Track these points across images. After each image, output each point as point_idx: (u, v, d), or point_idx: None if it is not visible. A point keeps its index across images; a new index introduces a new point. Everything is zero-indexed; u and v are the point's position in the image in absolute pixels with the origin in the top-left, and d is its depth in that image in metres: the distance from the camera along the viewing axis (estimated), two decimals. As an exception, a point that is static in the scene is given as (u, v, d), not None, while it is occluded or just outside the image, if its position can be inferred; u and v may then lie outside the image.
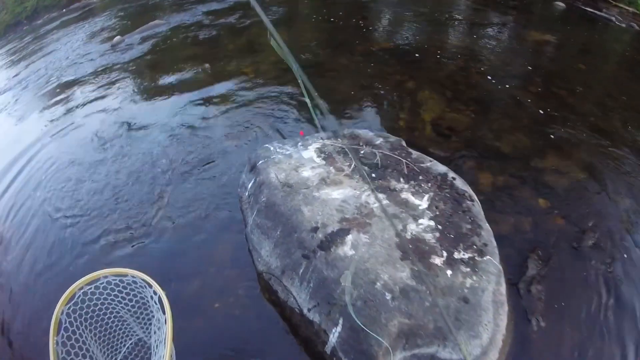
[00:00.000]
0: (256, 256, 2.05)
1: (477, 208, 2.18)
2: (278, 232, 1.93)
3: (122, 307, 1.36)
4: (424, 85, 3.36)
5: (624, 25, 4.83)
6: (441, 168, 2.37)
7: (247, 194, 2.33)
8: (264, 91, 3.60)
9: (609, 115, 3.19)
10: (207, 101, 3.60)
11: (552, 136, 2.97)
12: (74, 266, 2.35)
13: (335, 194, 2.03)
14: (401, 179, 2.19)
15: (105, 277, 1.22)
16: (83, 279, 1.19)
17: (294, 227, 1.88)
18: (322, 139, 2.48)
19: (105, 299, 1.27)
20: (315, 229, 1.85)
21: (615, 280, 2.09)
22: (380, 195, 2.07)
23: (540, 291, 2.11)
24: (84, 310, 1.21)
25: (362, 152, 2.35)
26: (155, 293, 1.22)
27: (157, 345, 1.30)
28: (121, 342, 1.51)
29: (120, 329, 1.47)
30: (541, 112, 3.13)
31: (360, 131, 2.62)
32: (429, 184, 2.21)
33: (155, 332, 1.35)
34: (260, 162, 2.29)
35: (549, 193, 2.59)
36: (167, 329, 1.14)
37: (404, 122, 2.97)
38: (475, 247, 1.95)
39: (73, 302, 1.17)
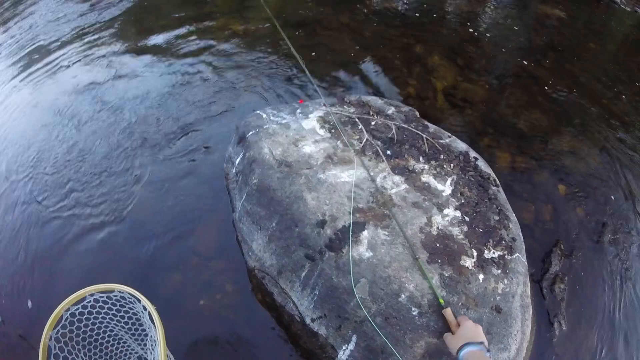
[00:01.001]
0: (246, 249, 1.65)
1: (503, 195, 1.87)
2: (274, 224, 1.53)
3: (114, 324, 1.22)
4: (433, 50, 2.92)
5: (628, 9, 4.65)
6: (462, 145, 2.01)
7: (234, 170, 1.88)
8: (255, 52, 3.04)
9: (621, 99, 2.94)
10: (192, 63, 3.03)
11: (567, 116, 2.70)
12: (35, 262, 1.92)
13: (345, 175, 1.62)
14: (420, 158, 1.82)
15: (92, 294, 1.08)
16: (67, 299, 1.04)
17: (295, 220, 1.47)
18: (324, 105, 2.03)
19: (95, 317, 1.14)
20: (321, 223, 1.45)
21: (635, 279, 1.93)
22: (398, 178, 1.70)
23: (563, 290, 1.90)
24: (74, 333, 1.09)
25: (373, 123, 1.94)
26: (145, 309, 1.08)
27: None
28: None
29: (117, 349, 1.32)
30: (556, 89, 2.82)
31: (369, 98, 2.18)
32: (452, 165, 1.85)
33: (151, 351, 1.23)
34: (251, 132, 1.82)
35: (568, 178, 2.35)
36: (159, 348, 1.02)
37: (414, 90, 2.56)
38: (504, 242, 1.65)
39: (61, 325, 1.04)
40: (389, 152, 1.79)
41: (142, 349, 1.36)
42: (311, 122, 1.86)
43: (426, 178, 1.74)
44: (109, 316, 1.17)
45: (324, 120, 1.89)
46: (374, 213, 1.53)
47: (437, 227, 1.56)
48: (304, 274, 1.45)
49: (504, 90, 2.63)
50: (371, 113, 2.01)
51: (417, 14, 3.64)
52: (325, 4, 3.67)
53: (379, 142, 1.81)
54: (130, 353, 1.37)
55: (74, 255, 1.96)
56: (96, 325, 1.17)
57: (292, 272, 1.48)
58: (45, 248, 1.97)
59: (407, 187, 1.68)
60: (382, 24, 3.38)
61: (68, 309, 1.06)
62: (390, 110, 2.10)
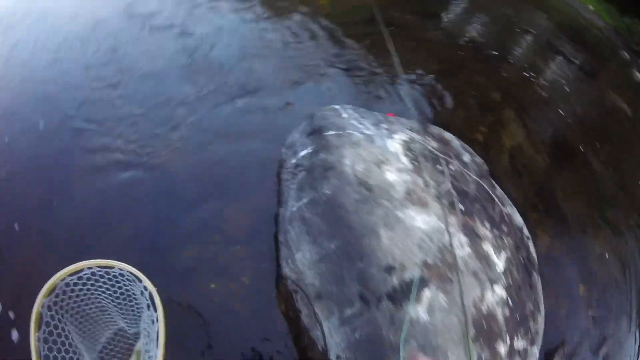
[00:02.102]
0: (286, 254, 1.50)
1: (540, 284, 1.85)
2: (333, 246, 1.39)
3: (106, 298, 1.23)
4: (510, 103, 2.80)
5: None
6: (519, 220, 1.94)
7: (294, 161, 1.71)
8: (339, 34, 2.79)
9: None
10: (274, 26, 2.72)
11: (608, 216, 2.69)
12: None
13: (420, 220, 1.50)
14: (487, 223, 1.73)
15: (90, 268, 1.07)
16: (65, 269, 1.05)
17: (362, 254, 1.34)
18: (409, 129, 1.88)
19: (89, 290, 1.14)
20: (389, 269, 1.33)
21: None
22: (465, 239, 1.60)
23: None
24: (66, 302, 1.10)
25: (452, 168, 1.82)
26: (145, 289, 1.09)
27: (147, 343, 1.19)
28: (101, 333, 1.37)
29: (102, 320, 1.34)
30: (604, 183, 2.80)
31: (449, 136, 2.04)
32: (509, 239, 1.79)
33: (145, 329, 1.23)
34: (331, 132, 1.64)
35: (590, 281, 2.36)
36: (159, 327, 1.04)
37: (483, 138, 2.45)
38: (530, 334, 1.62)
39: (54, 294, 1.05)
40: (462, 207, 1.69)
41: (126, 322, 1.37)
42: (395, 144, 1.71)
43: (487, 247, 1.66)
44: (101, 289, 1.16)
45: (408, 147, 1.74)
46: (438, 272, 1.42)
47: (487, 305, 1.49)
48: (349, 312, 1.33)
49: (561, 169, 2.58)
50: (451, 155, 1.89)
51: (498, 55, 3.48)
52: (415, 12, 3.44)
53: (455, 192, 1.70)
54: (112, 325, 1.38)
55: (89, 197, 1.76)
56: (87, 297, 1.16)
57: (335, 303, 1.35)
58: (62, 182, 1.76)
59: (471, 251, 1.59)
60: (467, 50, 3.22)
61: (64, 279, 1.05)
62: (467, 158, 1.98)
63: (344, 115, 1.77)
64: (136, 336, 1.38)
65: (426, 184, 1.63)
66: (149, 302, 1.09)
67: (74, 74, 2.25)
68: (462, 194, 1.73)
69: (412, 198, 1.54)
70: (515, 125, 2.67)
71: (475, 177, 1.84)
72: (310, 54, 2.53)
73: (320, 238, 1.40)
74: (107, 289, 1.18)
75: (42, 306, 1.02)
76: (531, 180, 2.39)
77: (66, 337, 1.09)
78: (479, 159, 2.07)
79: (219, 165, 1.90)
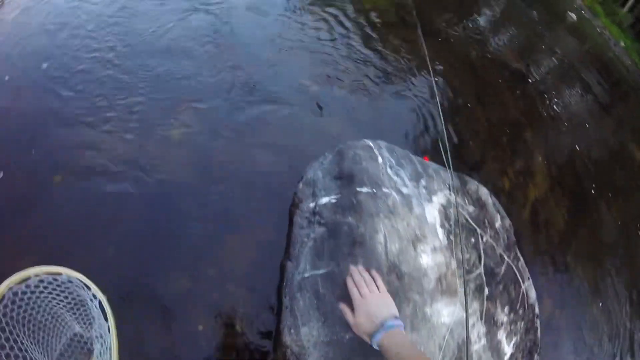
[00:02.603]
0: (289, 322, 1.34)
1: (538, 363, 1.81)
2: (347, 337, 1.24)
3: (57, 305, 1.15)
4: (540, 147, 2.60)
5: None
6: (533, 296, 1.84)
7: (312, 205, 1.49)
8: (374, 43, 2.41)
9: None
10: (301, 21, 2.30)
11: (629, 296, 2.59)
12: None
13: (445, 314, 1.37)
14: (506, 308, 1.62)
15: (37, 275, 1.04)
16: (11, 278, 1.00)
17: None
18: (447, 186, 1.68)
19: (38, 297, 1.08)
20: None
21: None
22: (482, 330, 1.50)
23: None
24: (15, 312, 1.04)
25: (484, 240, 1.66)
26: (94, 296, 1.06)
27: (101, 354, 1.12)
28: (57, 340, 1.26)
29: (56, 328, 1.24)
30: (614, 248, 2.71)
31: (483, 193, 1.84)
32: (522, 322, 1.70)
33: (98, 338, 1.17)
34: (365, 190, 1.41)
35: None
36: (111, 339, 1.02)
37: (509, 186, 2.27)
38: None
39: (2, 304, 1.00)
40: (487, 292, 1.56)
41: (82, 327, 1.29)
42: (434, 211, 1.52)
43: (501, 335, 1.56)
44: (52, 295, 1.12)
45: (445, 215, 1.55)
46: (454, 376, 1.33)
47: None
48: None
49: (578, 229, 2.47)
50: (486, 224, 1.72)
51: (535, 92, 3.20)
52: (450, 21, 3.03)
53: (484, 277, 1.56)
54: (68, 330, 1.30)
55: (69, 201, 1.51)
56: (37, 304, 1.11)
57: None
58: (40, 181, 1.49)
59: (485, 343, 1.49)
60: (499, 70, 2.93)
61: (10, 288, 1.00)
62: (498, 223, 1.82)
63: (379, 159, 1.54)
64: (94, 341, 1.30)
65: (458, 265, 1.48)
66: (99, 310, 1.07)
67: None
68: (490, 276, 1.59)
69: (442, 287, 1.38)
70: (541, 176, 2.50)
71: (504, 254, 1.70)
72: (344, 61, 2.19)
73: (334, 323, 1.24)
74: (57, 295, 1.13)
75: None
76: (549, 241, 2.28)
77: (19, 349, 1.04)
78: (507, 222, 1.91)
79: (224, 182, 1.66)
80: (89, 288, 1.08)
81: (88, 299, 1.10)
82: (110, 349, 1.02)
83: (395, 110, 2.16)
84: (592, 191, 2.66)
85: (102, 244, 1.47)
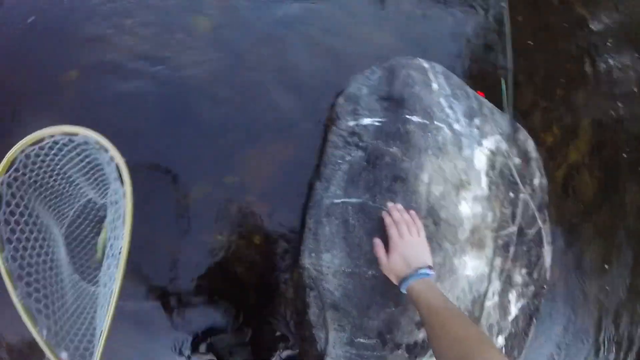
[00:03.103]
0: (311, 244, 1.22)
1: (532, 333, 1.85)
2: (370, 273, 1.15)
3: (72, 169, 1.13)
4: (588, 111, 2.34)
5: None
6: (548, 262, 1.81)
7: (351, 124, 1.32)
8: None
9: None
10: None
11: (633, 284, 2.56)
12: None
13: (470, 268, 1.30)
14: (523, 269, 1.57)
15: (52, 136, 0.97)
16: (24, 140, 0.93)
17: (399, 300, 1.14)
18: (499, 131, 1.50)
19: (52, 160, 1.04)
20: (420, 324, 1.18)
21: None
22: (498, 286, 1.46)
23: None
24: (27, 176, 1.00)
25: (522, 197, 1.54)
26: (112, 159, 0.98)
27: (113, 220, 1.08)
28: (69, 206, 1.27)
29: (69, 193, 1.24)
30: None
31: (530, 146, 1.69)
32: (532, 287, 1.68)
33: (112, 204, 1.12)
34: (415, 118, 1.23)
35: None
36: (125, 203, 0.96)
37: (552, 141, 2.10)
38: None
39: (14, 168, 0.95)
40: (512, 251, 1.49)
41: (96, 193, 1.29)
42: (482, 156, 1.37)
43: (512, 295, 1.54)
44: (66, 159, 1.07)
45: (492, 163, 1.41)
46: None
47: None
48: (362, 340, 1.20)
49: (601, 205, 2.35)
50: (526, 179, 1.59)
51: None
52: None
53: (515, 236, 1.48)
54: (81, 196, 1.31)
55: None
56: (50, 168, 1.08)
57: (350, 324, 1.21)
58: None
59: (497, 302, 1.46)
60: (569, 24, 2.55)
61: (23, 150, 0.95)
62: (537, 180, 1.69)
63: (434, 85, 1.35)
64: (106, 208, 1.31)
65: (493, 219, 1.38)
66: (116, 174, 1.00)
67: None
68: (519, 235, 1.51)
69: (473, 238, 1.30)
70: (585, 138, 2.31)
71: (537, 214, 1.61)
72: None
73: (359, 256, 1.17)
74: (72, 159, 1.09)
75: (1, 184, 0.93)
76: (574, 208, 2.18)
77: (30, 215, 1.02)
78: (544, 181, 1.79)
79: (253, 84, 1.47)
80: (106, 150, 0.99)
81: (105, 162, 1.03)
82: (123, 216, 0.96)
83: (455, 31, 1.87)
84: (627, 169, 2.51)
85: (122, 129, 1.32)
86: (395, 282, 1.03)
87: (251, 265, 1.41)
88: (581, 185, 2.23)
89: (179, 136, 1.42)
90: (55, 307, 1.03)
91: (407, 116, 1.23)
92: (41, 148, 0.97)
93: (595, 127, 2.45)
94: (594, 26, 3.10)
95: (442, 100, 1.37)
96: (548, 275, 1.79)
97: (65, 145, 1.01)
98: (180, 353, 1.34)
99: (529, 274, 1.59)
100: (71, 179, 1.21)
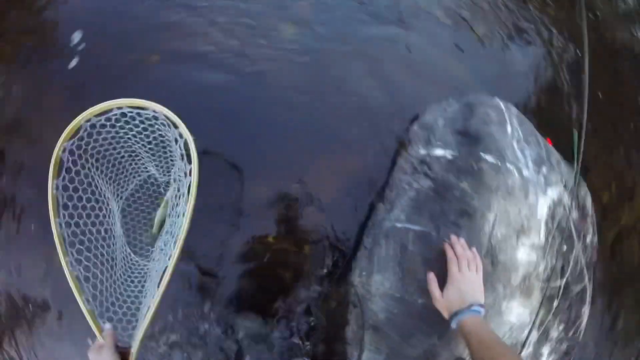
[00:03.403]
0: (363, 263, 1.26)
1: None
2: (420, 301, 1.18)
3: (136, 142, 1.13)
4: None
5: None
6: (585, 322, 1.79)
7: (422, 152, 1.34)
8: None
9: None
10: None
11: None
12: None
13: (515, 314, 1.30)
14: (561, 325, 1.55)
15: (120, 108, 0.95)
16: (91, 109, 0.93)
17: (443, 333, 1.16)
18: (563, 182, 1.50)
19: (117, 132, 1.04)
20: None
21: None
22: (534, 338, 1.45)
23: None
24: (91, 146, 1.00)
25: (575, 252, 1.54)
26: (180, 136, 0.96)
27: (177, 197, 1.07)
28: (129, 179, 1.29)
29: (131, 166, 1.26)
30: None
31: (589, 202, 1.68)
32: (566, 344, 1.66)
33: (176, 180, 1.13)
34: (489, 158, 1.25)
35: None
36: (191, 181, 0.94)
37: (607, 200, 2.07)
38: None
39: (78, 136, 0.95)
40: (555, 304, 1.48)
41: (157, 169, 1.29)
42: (545, 206, 1.37)
43: (544, 350, 1.54)
44: (132, 133, 1.07)
45: (552, 213, 1.41)
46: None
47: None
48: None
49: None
50: (581, 234, 1.58)
51: None
52: None
53: (561, 290, 1.47)
54: (142, 171, 1.31)
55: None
56: (115, 140, 1.08)
57: (389, 348, 1.23)
58: None
59: (531, 352, 1.46)
60: None
61: (89, 120, 0.94)
62: (589, 238, 1.68)
63: (508, 129, 1.36)
64: (167, 185, 1.33)
65: (544, 270, 1.38)
66: (183, 152, 0.97)
67: None
68: (565, 289, 1.50)
69: (524, 285, 1.31)
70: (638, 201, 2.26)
71: (585, 270, 1.59)
72: (484, 4, 1.85)
73: (411, 283, 1.20)
74: (139, 133, 1.08)
75: (63, 150, 0.92)
76: (618, 273, 2.14)
77: (89, 184, 1.03)
78: (595, 239, 1.77)
79: (330, 96, 1.52)
80: (176, 126, 0.98)
81: (172, 139, 1.01)
82: (187, 194, 0.94)
83: (531, 74, 1.88)
84: None
85: (196, 115, 1.39)
86: (446, 315, 1.05)
87: (297, 272, 1.44)
88: (629, 250, 2.18)
89: (251, 133, 1.48)
90: (104, 277, 1.04)
91: (482, 154, 1.25)
92: (108, 119, 0.97)
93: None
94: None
95: (515, 144, 1.38)
96: (581, 335, 1.76)
97: (132, 118, 1.00)
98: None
99: (566, 330, 1.57)
100: (135, 153, 1.23)
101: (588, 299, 1.67)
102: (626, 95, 2.48)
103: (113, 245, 1.15)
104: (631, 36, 2.60)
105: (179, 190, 1.07)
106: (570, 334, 1.63)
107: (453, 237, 1.14)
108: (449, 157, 1.29)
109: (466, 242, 1.14)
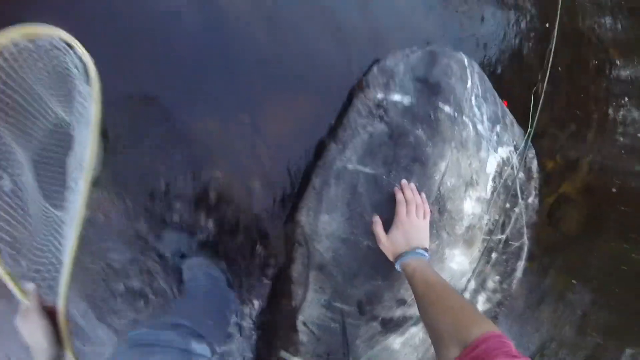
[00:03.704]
0: (311, 202, 1.24)
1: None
2: (366, 243, 1.19)
3: (36, 81, 0.98)
4: (593, 154, 2.41)
5: None
6: (518, 277, 1.92)
7: (380, 96, 1.30)
8: None
9: None
10: None
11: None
12: None
13: (456, 261, 1.35)
14: (496, 277, 1.66)
15: (13, 41, 0.81)
16: None
17: (388, 274, 1.18)
18: (513, 144, 1.54)
19: (15, 69, 0.90)
20: (400, 302, 1.22)
21: None
22: (472, 287, 1.53)
23: None
24: None
25: (517, 211, 1.60)
26: (80, 59, 0.86)
27: (79, 122, 0.98)
28: (37, 125, 1.10)
29: (34, 109, 1.07)
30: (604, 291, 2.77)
31: (535, 167, 1.75)
32: (500, 295, 1.78)
33: (78, 112, 1.00)
34: (447, 109, 1.25)
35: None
36: (91, 105, 0.84)
37: (551, 167, 2.17)
38: None
39: None
40: (494, 257, 1.56)
41: (66, 110, 1.13)
42: (494, 162, 1.41)
43: (480, 299, 1.64)
44: (28, 67, 0.93)
45: (500, 171, 1.46)
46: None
47: None
48: (340, 306, 1.26)
49: (576, 244, 2.48)
50: (524, 194, 1.65)
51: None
52: None
53: (502, 244, 1.55)
54: (49, 114, 1.15)
55: None
56: (12, 79, 0.93)
57: (332, 288, 1.26)
58: None
59: (469, 299, 1.55)
60: (601, 62, 2.59)
61: None
62: (531, 199, 1.77)
63: (468, 83, 1.36)
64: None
65: (487, 223, 1.44)
66: (82, 75, 0.88)
67: None
68: (504, 244, 1.58)
69: (467, 235, 1.36)
70: (582, 176, 2.40)
71: (525, 229, 1.68)
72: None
73: (358, 225, 1.20)
74: (36, 67, 0.94)
75: None
76: (552, 237, 2.29)
77: None
78: (537, 201, 1.87)
79: (288, 31, 1.43)
80: (71, 47, 0.86)
81: (71, 65, 0.90)
82: (89, 118, 0.84)
83: (498, 36, 1.88)
84: (610, 219, 2.65)
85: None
86: (390, 258, 1.07)
87: (244, 208, 1.41)
88: (565, 218, 2.33)
89: (201, 63, 1.38)
90: (21, 235, 0.93)
91: (440, 104, 1.24)
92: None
93: (594, 170, 2.55)
94: (623, 72, 3.16)
95: (473, 99, 1.38)
96: (513, 288, 1.88)
97: (28, 50, 0.86)
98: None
99: (500, 282, 1.67)
100: (34, 92, 1.05)
101: (524, 255, 1.77)
102: (584, 77, 2.57)
103: (27, 200, 1.03)
104: (599, 22, 2.67)
105: (82, 122, 0.96)
106: (505, 286, 1.74)
107: (403, 182, 1.14)
108: (406, 103, 1.28)
109: (415, 188, 1.14)
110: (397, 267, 1.05)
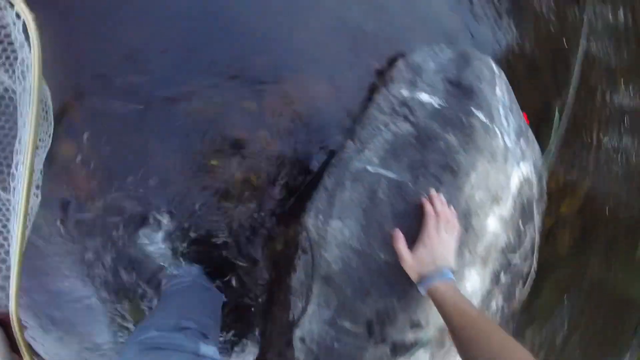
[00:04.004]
0: (322, 205, 1.09)
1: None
2: (383, 257, 1.06)
3: None
4: (592, 177, 2.42)
5: None
6: (520, 300, 1.85)
7: (406, 94, 1.19)
8: None
9: None
10: None
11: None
12: None
13: (470, 281, 1.25)
14: (500, 299, 1.57)
15: None
16: None
17: (404, 295, 1.05)
18: (534, 159, 1.46)
19: None
20: (415, 325, 1.09)
21: None
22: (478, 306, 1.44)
23: None
24: None
25: (531, 232, 1.52)
26: (18, 17, 0.80)
27: (22, 92, 0.91)
28: None
29: None
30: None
31: (545, 185, 1.68)
32: (499, 315, 1.70)
33: (21, 80, 0.92)
34: (480, 115, 1.14)
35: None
36: (32, 63, 0.80)
37: (552, 188, 2.13)
38: None
39: None
40: (502, 279, 1.47)
41: (11, 78, 1.04)
42: (517, 179, 1.31)
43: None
44: None
45: (521, 189, 1.36)
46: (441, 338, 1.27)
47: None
48: (346, 325, 1.12)
49: (572, 259, 2.46)
50: (534, 214, 1.57)
51: None
52: None
53: (512, 267, 1.45)
54: None
55: None
56: None
57: (339, 303, 1.12)
58: None
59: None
60: None
61: None
62: (537, 219, 1.69)
63: (497, 91, 1.26)
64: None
65: (503, 243, 1.34)
66: (23, 35, 0.82)
67: None
68: (514, 266, 1.49)
69: (484, 255, 1.25)
70: (579, 200, 2.38)
71: (536, 252, 1.61)
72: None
73: (375, 237, 1.07)
74: None
75: None
76: (545, 257, 2.25)
77: None
78: (541, 223, 1.80)
79: (311, 13, 1.28)
80: (12, 5, 0.80)
81: (11, 24, 0.84)
82: (30, 88, 0.80)
83: (523, 49, 1.79)
84: (600, 244, 2.66)
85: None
86: (414, 278, 0.94)
87: (241, 204, 1.25)
88: (561, 239, 2.30)
89: (205, 38, 1.22)
90: None
91: (474, 110, 1.14)
92: None
93: (592, 195, 2.54)
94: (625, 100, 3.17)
95: (501, 108, 1.28)
96: (512, 311, 1.81)
97: None
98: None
99: (505, 305, 1.58)
100: None
101: (530, 278, 1.69)
102: (606, 105, 2.55)
103: None
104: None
105: (23, 85, 0.88)
106: (506, 309, 1.65)
107: (433, 192, 1.01)
108: (436, 105, 1.16)
109: (444, 200, 1.02)
110: (422, 289, 0.92)
